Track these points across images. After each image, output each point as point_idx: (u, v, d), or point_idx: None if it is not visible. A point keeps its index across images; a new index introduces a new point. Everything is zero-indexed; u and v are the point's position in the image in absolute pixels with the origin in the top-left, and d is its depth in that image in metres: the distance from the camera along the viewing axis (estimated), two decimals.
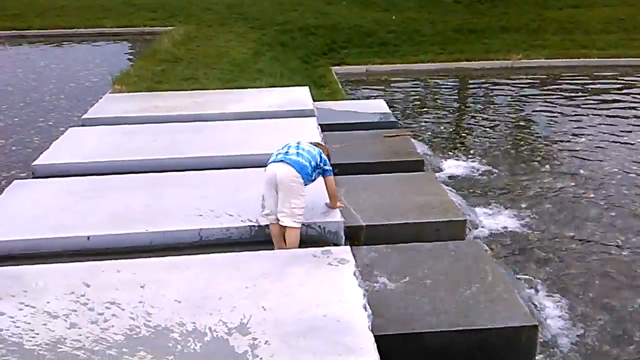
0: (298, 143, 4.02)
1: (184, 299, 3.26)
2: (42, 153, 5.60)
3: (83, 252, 4.00)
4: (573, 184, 6.51)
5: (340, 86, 10.01)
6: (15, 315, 3.14)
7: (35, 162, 5.41)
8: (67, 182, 4.91)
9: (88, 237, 4.05)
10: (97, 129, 6.22)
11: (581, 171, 6.85)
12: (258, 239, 4.13)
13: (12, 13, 16.92)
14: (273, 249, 3.92)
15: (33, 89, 10.50)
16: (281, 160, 3.83)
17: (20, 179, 5.30)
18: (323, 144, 4.43)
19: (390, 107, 7.68)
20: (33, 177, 5.28)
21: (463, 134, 8.39)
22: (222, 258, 3.72)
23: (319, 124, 6.28)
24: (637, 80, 11.09)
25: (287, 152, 3.91)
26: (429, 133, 8.32)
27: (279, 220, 3.84)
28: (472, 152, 7.52)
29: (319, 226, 4.13)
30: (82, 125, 6.54)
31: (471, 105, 10.07)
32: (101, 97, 7.69)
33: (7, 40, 14.93)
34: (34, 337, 2.96)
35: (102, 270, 3.56)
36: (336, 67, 11.52)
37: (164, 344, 2.91)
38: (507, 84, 10.99)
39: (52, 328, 3.03)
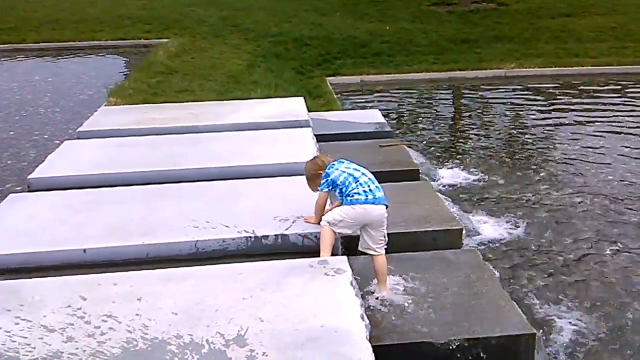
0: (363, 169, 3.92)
1: (181, 311, 3.25)
2: (37, 166, 5.59)
3: (79, 265, 3.98)
4: (570, 191, 6.54)
5: (335, 96, 10.05)
6: (11, 329, 3.12)
7: (30, 176, 5.40)
8: (63, 195, 4.90)
9: (84, 250, 4.04)
10: (92, 142, 6.22)
11: (576, 179, 6.88)
12: (255, 250, 4.13)
13: (7, 27, 16.94)
14: (268, 260, 3.90)
15: (28, 102, 10.49)
16: (385, 205, 3.76)
17: (16, 192, 5.29)
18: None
19: (385, 116, 7.72)
20: (28, 191, 5.27)
21: (458, 143, 8.42)
22: (218, 269, 3.72)
23: (314, 135, 6.30)
24: (630, 88, 11.17)
25: (377, 186, 3.81)
26: (424, 142, 8.35)
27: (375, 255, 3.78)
28: (467, 160, 7.55)
29: (315, 236, 4.12)
30: (78, 138, 6.53)
31: (465, 113, 10.12)
32: (96, 110, 7.69)
33: (2, 54, 14.93)
34: (30, 352, 2.94)
35: (99, 283, 3.55)
36: (331, 78, 11.58)
37: (161, 356, 2.90)
38: (500, 93, 11.06)
39: (49, 342, 3.01)
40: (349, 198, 3.74)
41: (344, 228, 3.78)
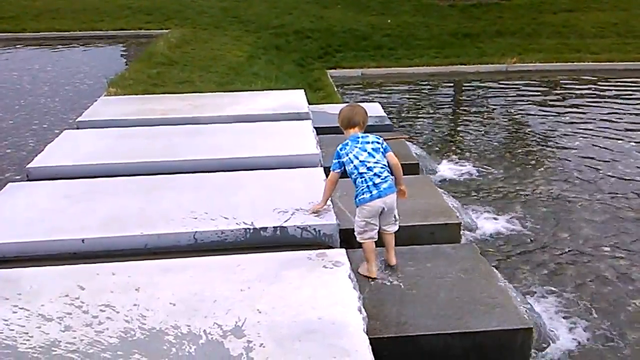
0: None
1: (179, 301, 3.26)
2: (36, 156, 5.58)
3: (77, 254, 3.98)
4: (567, 186, 6.54)
5: (336, 89, 10.03)
6: (9, 318, 3.13)
7: (29, 165, 5.39)
8: (62, 185, 4.90)
9: (83, 240, 4.04)
10: (92, 132, 6.21)
11: (575, 174, 6.88)
12: (253, 242, 4.13)
13: (7, 15, 16.91)
14: (266, 252, 3.89)
15: (28, 92, 10.48)
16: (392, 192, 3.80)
17: (15, 181, 5.28)
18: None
19: (385, 110, 7.70)
20: (27, 180, 5.26)
21: (458, 137, 8.41)
22: (217, 261, 3.72)
23: (314, 127, 6.29)
24: (631, 84, 11.15)
25: (384, 178, 3.77)
26: (424, 136, 8.34)
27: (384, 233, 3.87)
28: (466, 154, 7.55)
29: (314, 229, 4.13)
30: (77, 128, 6.52)
31: (466, 108, 10.10)
32: (96, 100, 7.67)
33: (2, 43, 14.89)
34: (28, 340, 2.95)
35: (97, 273, 3.56)
36: (331, 71, 11.56)
37: (158, 347, 2.91)
38: (501, 87, 11.04)
39: (47, 331, 3.02)
40: (357, 199, 3.79)
41: (371, 225, 3.77)
